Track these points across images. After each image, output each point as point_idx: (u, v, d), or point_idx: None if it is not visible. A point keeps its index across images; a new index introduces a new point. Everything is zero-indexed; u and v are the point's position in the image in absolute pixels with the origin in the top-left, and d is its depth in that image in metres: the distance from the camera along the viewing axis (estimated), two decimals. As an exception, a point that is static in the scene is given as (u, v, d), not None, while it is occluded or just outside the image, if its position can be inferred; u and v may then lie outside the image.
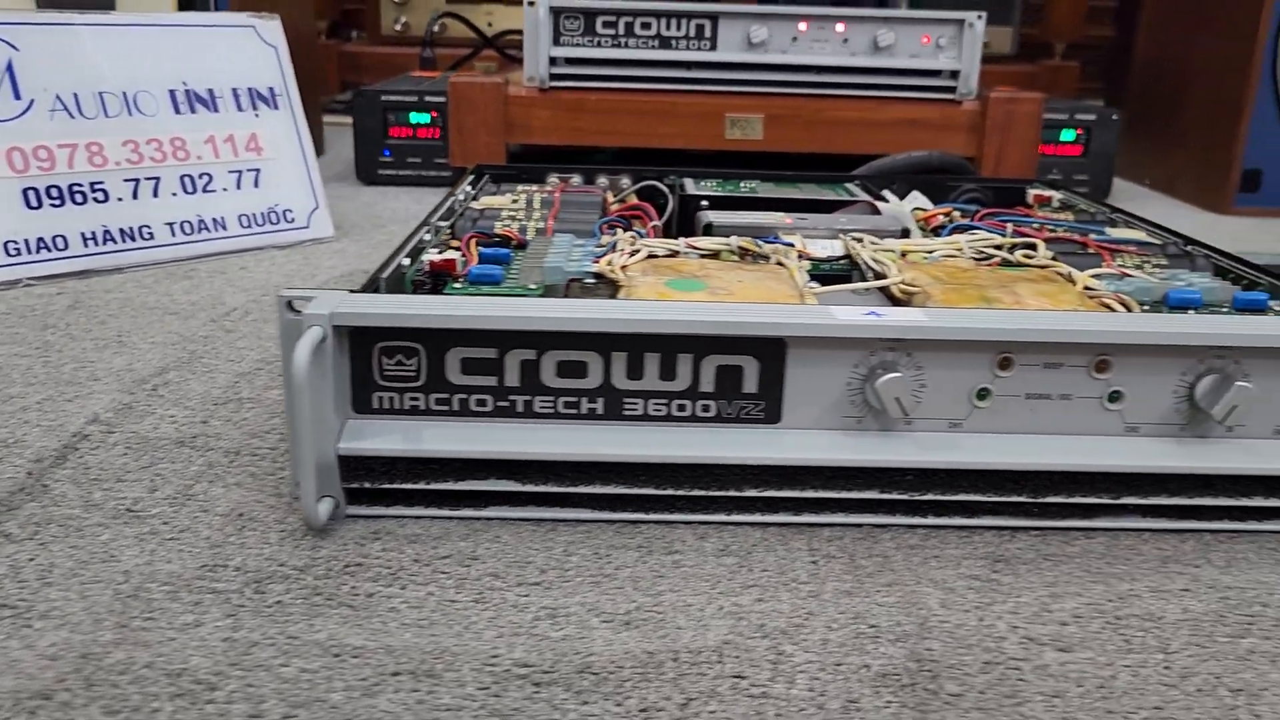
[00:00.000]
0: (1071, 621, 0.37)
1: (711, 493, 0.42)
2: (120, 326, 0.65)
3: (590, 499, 0.43)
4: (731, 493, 0.42)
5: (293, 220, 0.87)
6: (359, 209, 1.03)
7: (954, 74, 1.08)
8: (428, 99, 1.11)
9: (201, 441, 0.49)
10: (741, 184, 0.74)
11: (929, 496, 0.42)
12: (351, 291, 0.42)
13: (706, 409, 0.42)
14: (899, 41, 1.07)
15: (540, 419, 0.42)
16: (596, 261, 0.50)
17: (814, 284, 0.50)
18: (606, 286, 0.48)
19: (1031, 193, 0.72)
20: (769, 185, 0.74)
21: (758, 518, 0.43)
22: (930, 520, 0.43)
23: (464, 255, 0.52)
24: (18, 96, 0.74)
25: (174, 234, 0.80)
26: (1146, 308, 0.48)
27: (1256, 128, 1.10)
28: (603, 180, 0.75)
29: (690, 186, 0.71)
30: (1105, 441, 0.43)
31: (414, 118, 1.12)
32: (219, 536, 0.41)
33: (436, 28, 1.68)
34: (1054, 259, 0.53)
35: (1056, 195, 0.72)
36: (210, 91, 0.84)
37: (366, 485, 0.42)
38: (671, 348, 0.41)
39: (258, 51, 0.87)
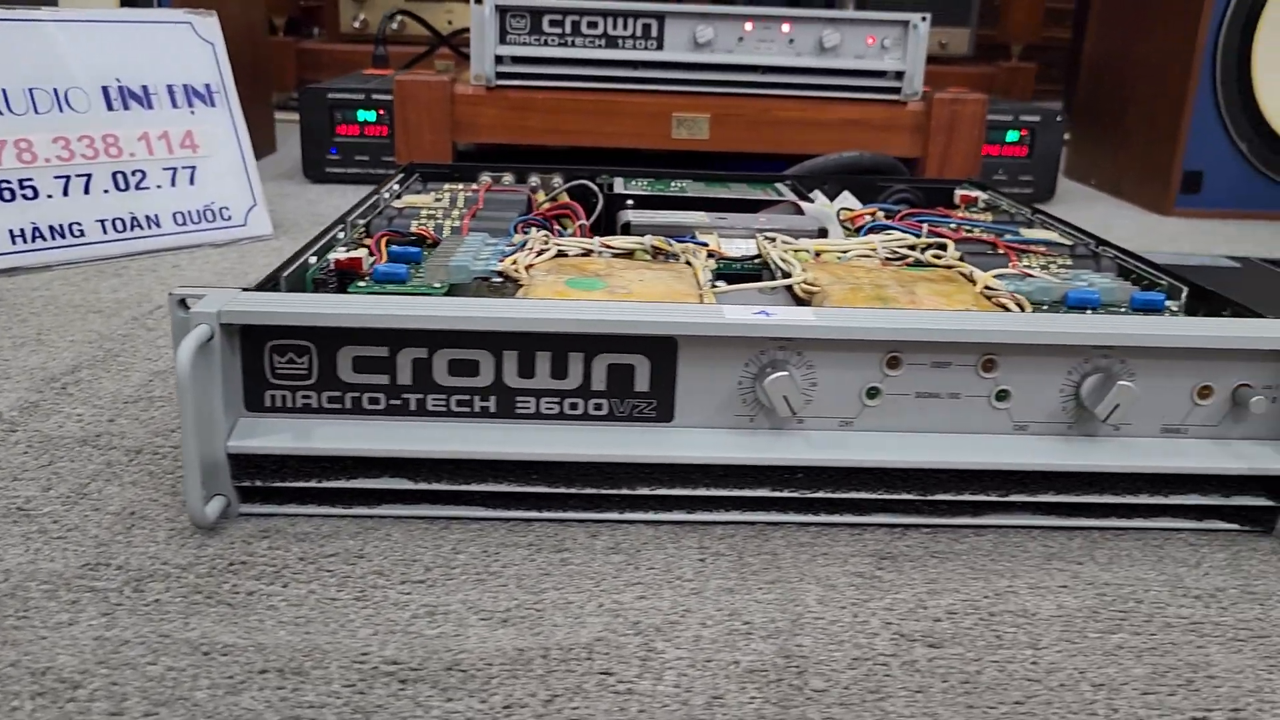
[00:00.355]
0: (945, 618, 0.37)
1: (604, 491, 0.42)
2: (40, 324, 0.64)
3: (484, 497, 0.43)
4: (624, 491, 0.42)
5: (229, 218, 0.86)
6: (302, 207, 1.03)
7: (899, 75, 1.09)
8: (375, 97, 1.11)
9: (105, 440, 0.49)
10: (673, 184, 0.74)
11: (820, 494, 0.43)
12: (244, 289, 0.42)
13: (599, 407, 0.42)
14: (844, 42, 1.08)
15: (433, 417, 0.42)
16: (503, 260, 0.50)
17: (720, 283, 0.50)
18: (513, 285, 0.49)
19: (958, 193, 0.73)
20: (700, 185, 0.75)
21: (651, 515, 0.43)
22: (822, 518, 0.43)
23: (373, 254, 0.52)
24: (-57, 92, 0.74)
25: (105, 231, 0.80)
26: (1044, 307, 0.49)
27: (1196, 130, 1.11)
28: (534, 179, 0.75)
29: (619, 186, 0.71)
30: (994, 440, 0.43)
31: (361, 115, 1.12)
32: (106, 535, 0.40)
33: (395, 24, 1.68)
34: (961, 259, 0.54)
35: (982, 195, 0.72)
36: (144, 88, 0.83)
37: (258, 483, 0.42)
38: (562, 346, 0.41)
39: (194, 48, 0.86)
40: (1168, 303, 0.50)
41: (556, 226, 0.61)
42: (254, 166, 0.88)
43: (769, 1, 1.32)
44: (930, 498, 0.43)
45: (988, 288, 0.49)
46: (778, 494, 0.43)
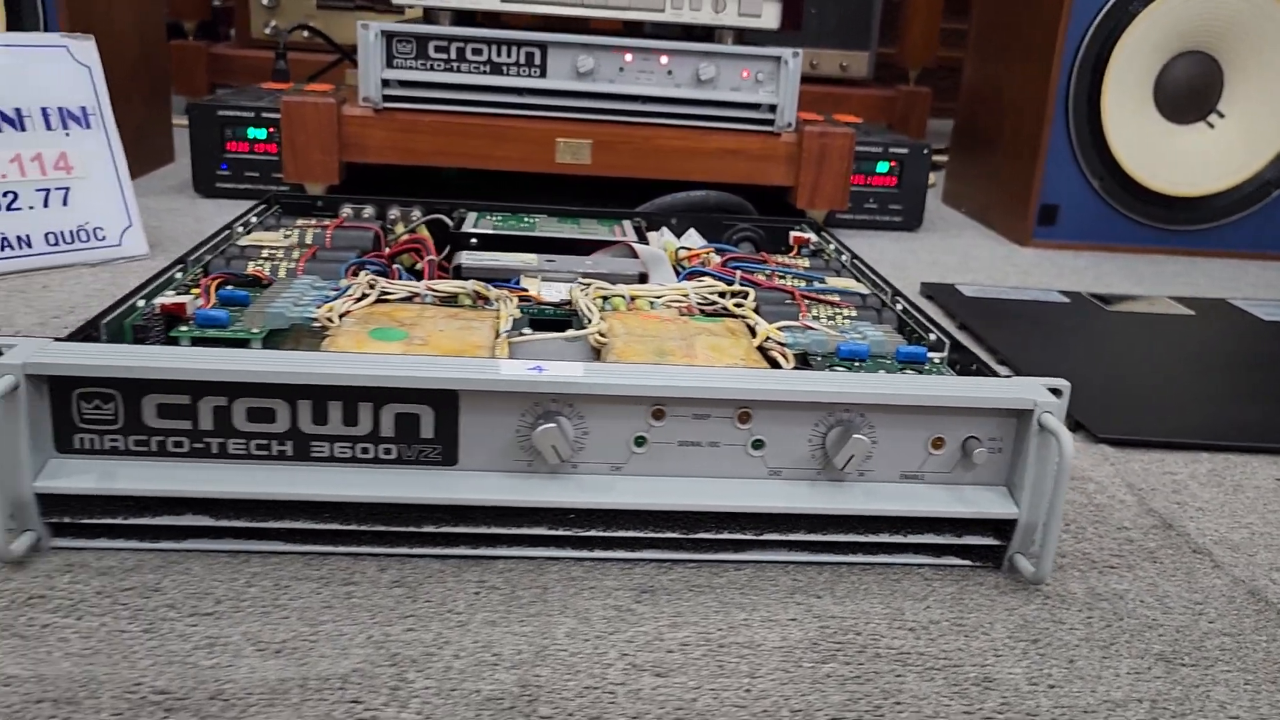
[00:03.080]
0: (678, 649, 0.42)
1: (392, 529, 0.46)
2: (-105, 349, 0.66)
3: (283, 532, 0.46)
4: (411, 529, 0.46)
5: (104, 238, 0.89)
6: (187, 224, 1.05)
7: (772, 108, 1.13)
8: (265, 115, 1.13)
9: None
10: (525, 219, 0.78)
11: (592, 533, 0.47)
12: (57, 339, 0.45)
13: (388, 452, 0.46)
14: (720, 75, 1.12)
15: (233, 460, 0.46)
16: (321, 307, 0.53)
17: (526, 330, 0.54)
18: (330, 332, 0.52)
19: (793, 234, 0.78)
20: (552, 221, 0.79)
21: (437, 551, 0.47)
22: (596, 554, 0.48)
23: (202, 297, 0.55)
24: None
25: (-25, 252, 0.82)
26: (818, 359, 0.53)
27: (1052, 165, 1.18)
28: (394, 212, 0.79)
29: (470, 222, 0.75)
30: (750, 484, 0.48)
31: (251, 133, 1.14)
32: (-82, 568, 0.43)
33: (305, 33, 1.70)
34: (757, 309, 0.58)
35: (813, 238, 0.77)
36: (18, 110, 0.85)
37: (66, 520, 0.45)
38: (353, 397, 0.45)
39: (70, 71, 0.88)
40: (930, 355, 0.55)
41: (396, 267, 0.64)
42: (130, 187, 0.90)
43: (649, 34, 1.35)
44: (693, 536, 0.48)
45: (768, 339, 0.54)
46: (553, 532, 0.47)
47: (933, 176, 1.61)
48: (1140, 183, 1.18)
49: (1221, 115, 1.19)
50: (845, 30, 1.82)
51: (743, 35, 1.17)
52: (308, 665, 0.39)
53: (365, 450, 0.46)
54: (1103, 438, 0.64)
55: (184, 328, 0.52)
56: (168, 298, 0.53)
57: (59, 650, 0.39)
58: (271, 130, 1.14)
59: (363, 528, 0.46)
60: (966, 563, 0.49)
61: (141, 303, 0.53)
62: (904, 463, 0.48)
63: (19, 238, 0.84)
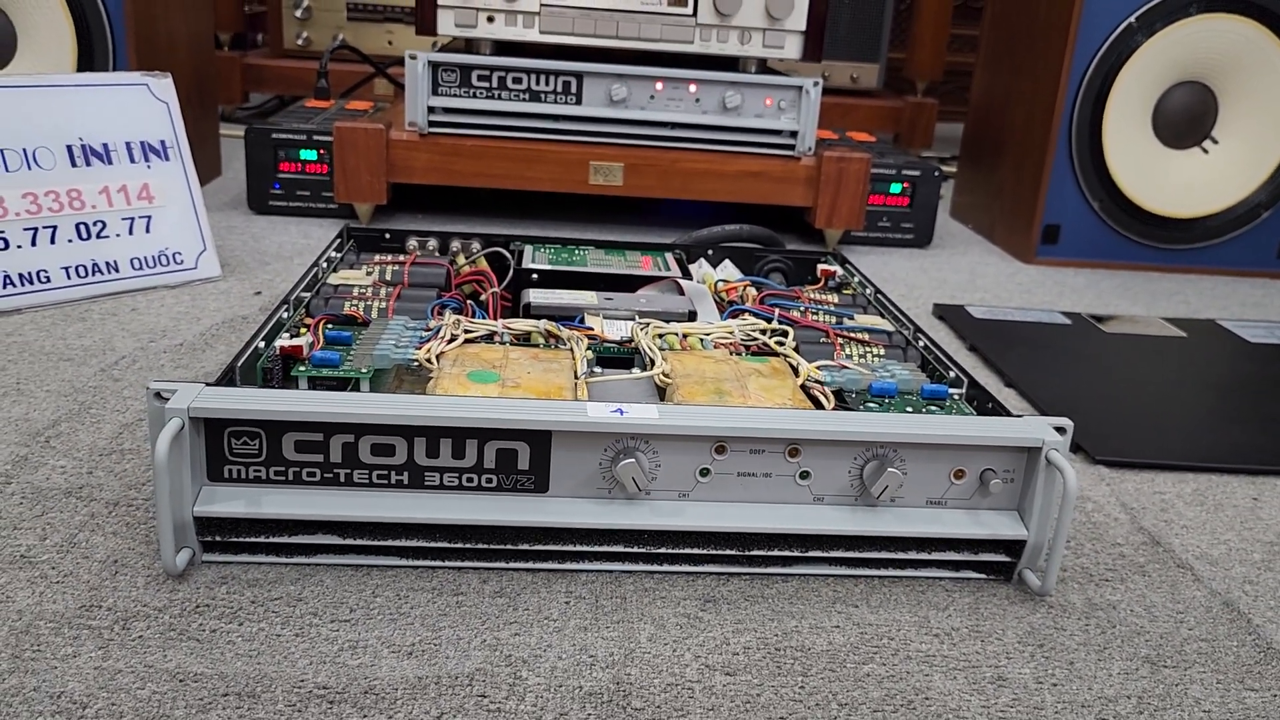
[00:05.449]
0: (742, 652, 0.50)
1: (493, 546, 0.54)
2: (19, 373, 0.74)
3: (398, 549, 0.54)
4: (508, 546, 0.54)
5: (182, 262, 0.96)
6: (247, 243, 1.12)
7: (794, 133, 1.21)
8: (316, 138, 1.21)
9: (87, 492, 0.59)
10: (576, 251, 0.86)
11: (662, 550, 0.55)
12: (208, 384, 0.53)
13: (490, 481, 0.54)
14: (745, 103, 1.20)
15: (358, 487, 0.54)
16: (419, 348, 0.61)
17: (598, 369, 0.62)
18: (426, 371, 0.60)
19: (820, 268, 0.86)
20: (599, 254, 0.86)
21: (529, 565, 0.55)
22: (665, 568, 0.56)
23: (312, 338, 0.63)
24: (-75, 156, 0.82)
25: (69, 277, 0.89)
26: (852, 395, 0.61)
27: (1055, 186, 1.25)
28: (455, 244, 0.86)
29: (528, 256, 0.83)
30: (797, 509, 0.56)
31: (303, 155, 1.21)
32: (96, 580, 0.51)
33: (339, 41, 1.76)
34: (796, 348, 0.66)
35: (839, 271, 0.85)
36: (105, 145, 0.92)
37: (217, 539, 0.53)
38: (461, 434, 0.53)
39: (150, 107, 0.95)
40: (951, 391, 0.63)
41: (469, 304, 0.72)
42: (204, 214, 0.98)
43: (678, 64, 1.43)
44: (748, 553, 0.55)
45: (809, 378, 0.62)
46: (629, 549, 0.55)
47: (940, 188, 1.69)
48: (1138, 204, 1.26)
49: (1215, 141, 1.26)
50: (856, 42, 1.89)
51: (765, 62, 1.24)
52: (437, 665, 0.47)
53: (470, 480, 0.54)
54: (1099, 459, 0.72)
55: (302, 367, 0.59)
56: (285, 340, 0.61)
57: (230, 651, 0.47)
58: (322, 152, 1.21)
59: (467, 545, 0.54)
60: (981, 576, 0.57)
61: (262, 344, 0.61)
62: (929, 490, 0.56)
63: (108, 263, 0.92)
